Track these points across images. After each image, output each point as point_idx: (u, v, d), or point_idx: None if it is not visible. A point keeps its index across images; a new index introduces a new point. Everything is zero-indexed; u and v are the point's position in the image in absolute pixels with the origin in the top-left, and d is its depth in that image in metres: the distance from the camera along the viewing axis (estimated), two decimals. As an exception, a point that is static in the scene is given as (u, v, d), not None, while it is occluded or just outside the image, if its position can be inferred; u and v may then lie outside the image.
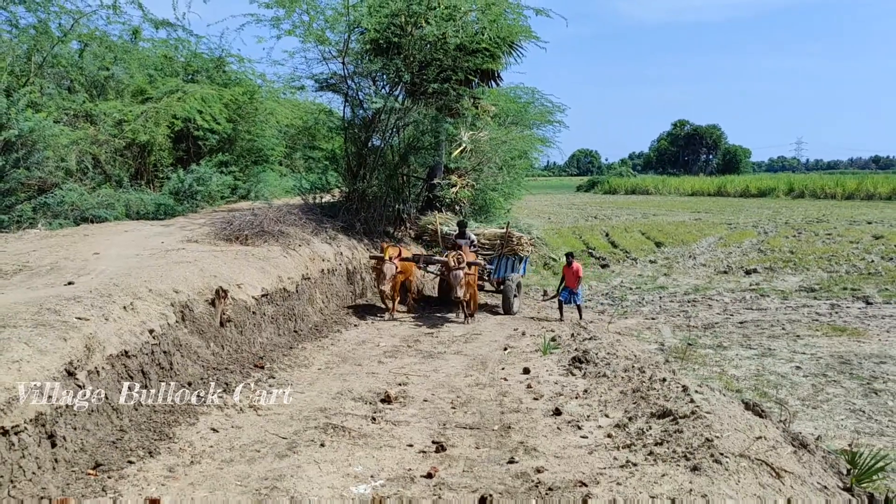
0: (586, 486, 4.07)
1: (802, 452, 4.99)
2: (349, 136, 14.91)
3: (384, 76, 14.43)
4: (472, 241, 13.48)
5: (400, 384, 6.97)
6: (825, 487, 4.49)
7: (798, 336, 13.20)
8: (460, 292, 11.50)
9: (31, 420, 3.97)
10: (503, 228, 14.42)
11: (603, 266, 22.09)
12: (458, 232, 13.68)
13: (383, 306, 12.20)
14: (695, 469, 4.10)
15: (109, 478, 4.04)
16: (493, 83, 16.11)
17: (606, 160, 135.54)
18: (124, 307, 5.72)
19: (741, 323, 14.38)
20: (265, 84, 19.71)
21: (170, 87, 16.72)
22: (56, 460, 4.06)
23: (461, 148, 16.38)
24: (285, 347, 8.14)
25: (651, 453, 4.52)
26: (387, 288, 11.36)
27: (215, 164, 17.25)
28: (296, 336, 8.88)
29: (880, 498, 5.45)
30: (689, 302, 16.64)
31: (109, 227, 12.01)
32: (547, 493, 3.98)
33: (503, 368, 7.84)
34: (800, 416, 8.74)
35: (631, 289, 18.25)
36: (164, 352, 5.86)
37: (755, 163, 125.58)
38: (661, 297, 17.09)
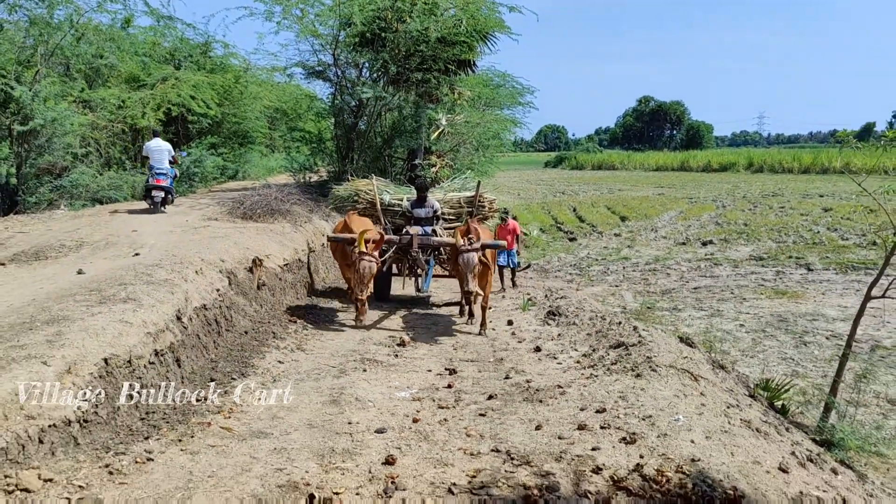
0: (562, 388, 5.91)
1: (719, 370, 6.91)
2: (338, 122, 16.54)
3: (370, 66, 16.03)
4: (437, 211, 10.88)
5: (408, 333, 8.75)
6: (731, 391, 6.40)
7: (744, 299, 15.13)
8: (473, 284, 8.69)
9: (167, 347, 5.67)
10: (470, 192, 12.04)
11: (571, 239, 23.99)
12: (416, 198, 10.93)
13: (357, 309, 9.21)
14: (638, 375, 5.97)
15: (225, 387, 5.76)
16: (469, 70, 17.77)
17: (573, 135, 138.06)
18: (195, 272, 7.39)
19: (695, 288, 16.30)
20: (250, 69, 21.08)
21: (163, 74, 18.05)
22: (183, 377, 5.77)
23: (440, 130, 18.05)
24: (307, 308, 9.86)
25: (608, 369, 6.38)
26: (364, 295, 8.76)
27: (206, 146, 18.68)
28: (311, 299, 10.61)
29: (778, 405, 7.45)
30: (649, 271, 18.53)
31: (126, 207, 13.47)
32: (535, 392, 5.82)
33: (490, 322, 9.67)
34: (739, 364, 10.64)
35: (597, 260, 20.15)
36: (227, 307, 7.55)
37: (719, 137, 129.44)
38: (624, 267, 18.97)
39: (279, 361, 6.82)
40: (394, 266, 10.84)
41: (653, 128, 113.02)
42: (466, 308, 10.07)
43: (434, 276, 11.19)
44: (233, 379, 6.02)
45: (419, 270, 10.80)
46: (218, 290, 7.48)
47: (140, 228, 10.50)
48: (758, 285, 16.52)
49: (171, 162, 13.11)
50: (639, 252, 21.36)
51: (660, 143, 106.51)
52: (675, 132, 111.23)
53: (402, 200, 11.25)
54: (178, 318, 6.20)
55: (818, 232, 23.64)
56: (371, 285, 8.98)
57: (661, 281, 17.25)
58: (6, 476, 3.54)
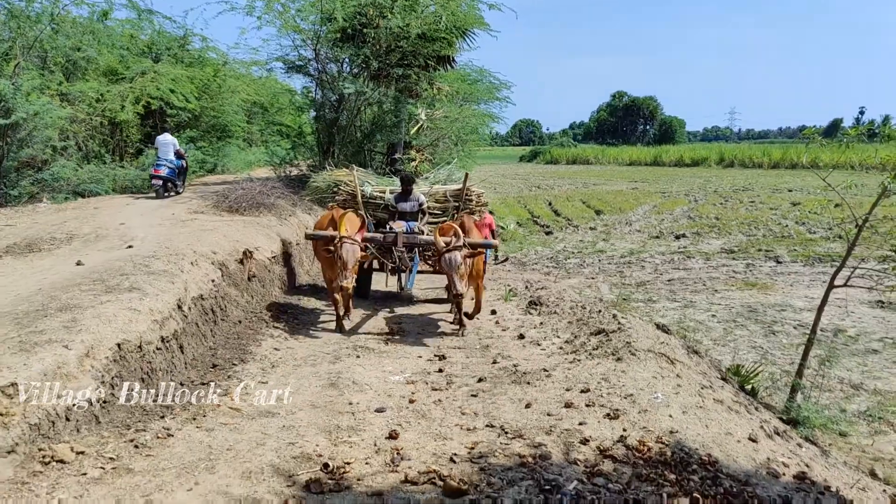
0: (548, 371, 6.30)
1: (693, 355, 7.36)
2: (319, 116, 16.80)
3: (351, 61, 16.30)
4: (422, 205, 10.49)
5: (396, 324, 9.09)
6: (705, 374, 6.85)
7: (716, 290, 15.68)
8: (460, 285, 8.14)
9: (172, 334, 5.95)
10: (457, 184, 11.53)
11: (547, 233, 24.45)
12: (400, 191, 10.52)
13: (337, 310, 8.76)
14: (618, 359, 6.37)
15: (227, 372, 6.06)
16: (448, 66, 18.10)
17: (548, 130, 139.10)
18: (191, 263, 7.65)
19: (669, 280, 16.83)
20: (228, 63, 21.19)
21: (142, 68, 18.12)
22: (186, 363, 6.06)
23: (419, 125, 18.36)
24: (294, 299, 10.15)
25: (590, 354, 6.78)
26: (349, 283, 8.02)
27: (185, 139, 18.79)
28: (297, 291, 10.89)
29: (748, 388, 7.93)
30: (624, 264, 19.04)
31: (107, 201, 13.62)
32: (523, 375, 6.20)
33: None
34: (711, 352, 11.14)
35: (573, 253, 20.61)
36: (221, 297, 7.82)
37: (691, 132, 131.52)
38: (599, 260, 19.45)
39: (275, 349, 7.14)
40: (374, 262, 10.21)
41: (626, 123, 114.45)
42: (458, 314, 9.09)
43: (418, 271, 10.54)
44: (233, 364, 6.33)
45: (402, 267, 10.04)
46: (213, 281, 7.74)
47: (128, 221, 10.69)
48: (729, 277, 17.08)
49: (177, 155, 15.29)
50: (614, 245, 21.88)
51: (633, 138, 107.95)
52: (648, 127, 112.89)
53: (384, 193, 10.81)
54: (179, 307, 6.48)
55: (787, 225, 24.37)
56: (355, 274, 8.32)
57: (635, 273, 17.74)
58: (40, 449, 3.83)
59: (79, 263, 7.32)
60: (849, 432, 7.99)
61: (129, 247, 8.48)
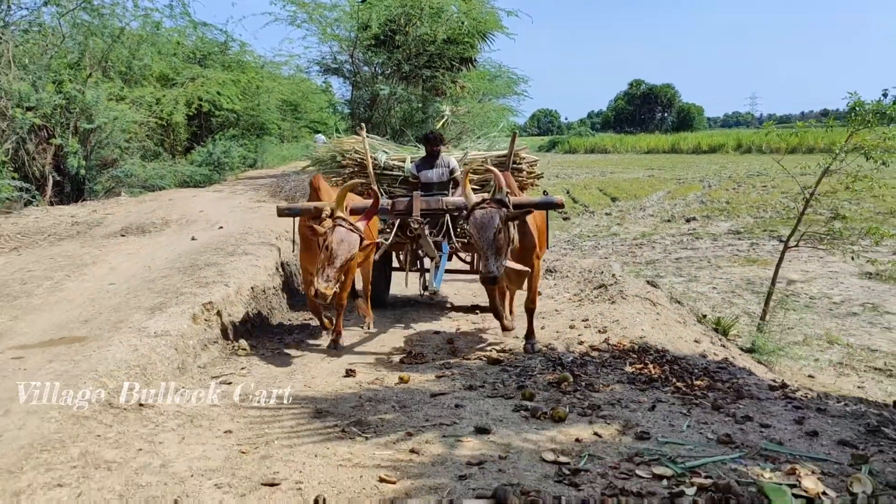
0: (558, 311, 8.55)
1: (675, 304, 9.55)
2: (354, 114, 19.13)
3: (384, 64, 18.61)
4: (453, 172, 8.10)
5: (433, 293, 11.30)
6: (682, 315, 9.04)
7: (719, 267, 17.75)
8: (493, 261, 5.57)
9: (278, 285, 8.25)
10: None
11: (564, 219, 26.59)
12: (425, 155, 8.30)
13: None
14: (612, 302, 8.59)
15: (314, 321, 8.36)
16: (470, 66, 20.34)
17: (566, 119, 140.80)
18: (276, 238, 9.94)
19: (677, 259, 18.91)
20: (265, 65, 23.56)
21: (192, 74, 20.49)
22: (287, 307, 8.36)
23: (443, 120, 20.59)
24: (349, 271, 12.46)
25: (592, 301, 9.00)
26: (327, 288, 5.51)
27: (230, 137, 21.17)
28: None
29: (720, 331, 10.09)
30: (636, 245, 21.12)
31: (176, 193, 16.00)
32: (539, 314, 8.43)
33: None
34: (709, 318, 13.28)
35: (588, 236, 22.76)
36: (298, 265, 10.12)
37: (711, 118, 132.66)
38: (613, 243, 21.58)
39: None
40: (392, 255, 8.37)
41: (644, 111, 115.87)
42: (495, 311, 7.22)
43: (448, 270, 8.32)
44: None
45: (426, 259, 8.12)
46: (293, 252, 10.02)
47: (205, 209, 13.00)
48: (732, 255, 19.12)
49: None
50: (627, 229, 23.97)
51: (651, 126, 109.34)
52: (666, 115, 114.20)
53: (403, 161, 8.60)
54: (277, 270, 8.77)
55: (794, 208, 26.22)
56: (347, 279, 6.30)
57: (646, 253, 19.83)
58: (239, 345, 6.16)
59: (193, 238, 9.64)
60: (816, 375, 10.13)
61: (221, 227, 10.79)
